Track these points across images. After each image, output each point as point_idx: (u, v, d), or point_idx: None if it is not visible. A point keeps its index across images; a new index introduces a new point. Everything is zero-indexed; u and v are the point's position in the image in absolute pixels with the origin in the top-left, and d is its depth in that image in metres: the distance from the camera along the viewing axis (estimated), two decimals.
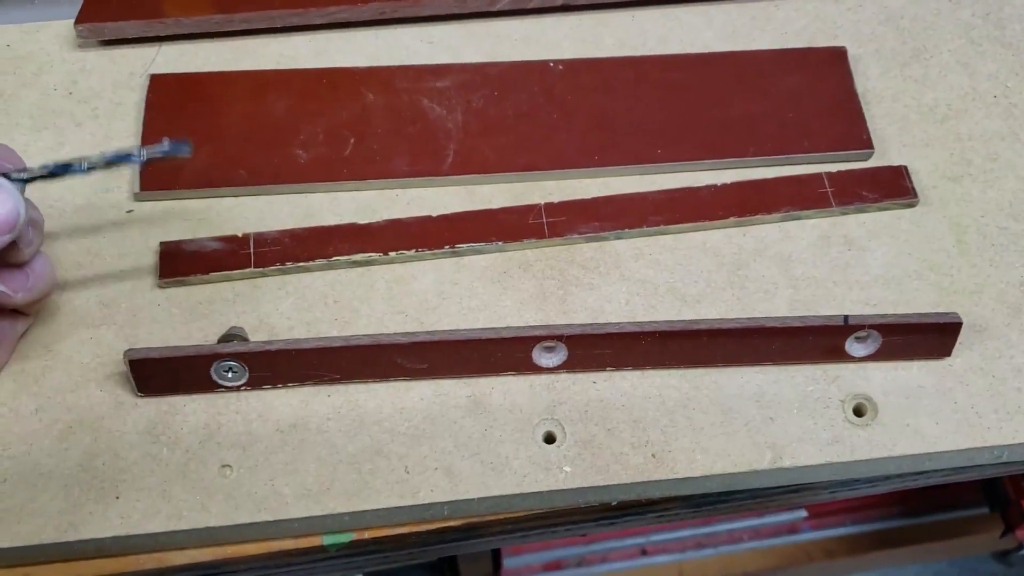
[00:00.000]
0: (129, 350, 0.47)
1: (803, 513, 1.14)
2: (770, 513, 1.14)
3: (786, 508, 1.13)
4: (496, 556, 1.07)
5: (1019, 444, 0.49)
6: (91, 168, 0.46)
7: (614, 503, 0.49)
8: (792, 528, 1.17)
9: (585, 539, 1.12)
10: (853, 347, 0.50)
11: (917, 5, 0.63)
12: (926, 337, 0.49)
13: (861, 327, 0.49)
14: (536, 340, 0.49)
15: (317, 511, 0.47)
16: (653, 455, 0.48)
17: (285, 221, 0.55)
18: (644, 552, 1.16)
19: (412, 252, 0.53)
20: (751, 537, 1.17)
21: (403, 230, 0.54)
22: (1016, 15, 0.63)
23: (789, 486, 0.50)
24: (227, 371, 0.48)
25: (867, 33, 0.62)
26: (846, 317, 0.49)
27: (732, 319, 0.49)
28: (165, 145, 0.46)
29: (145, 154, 0.46)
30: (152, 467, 0.48)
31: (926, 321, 0.49)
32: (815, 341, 0.49)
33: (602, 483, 0.48)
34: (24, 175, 0.46)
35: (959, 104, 0.59)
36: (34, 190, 0.55)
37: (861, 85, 0.59)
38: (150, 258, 0.54)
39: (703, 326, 0.49)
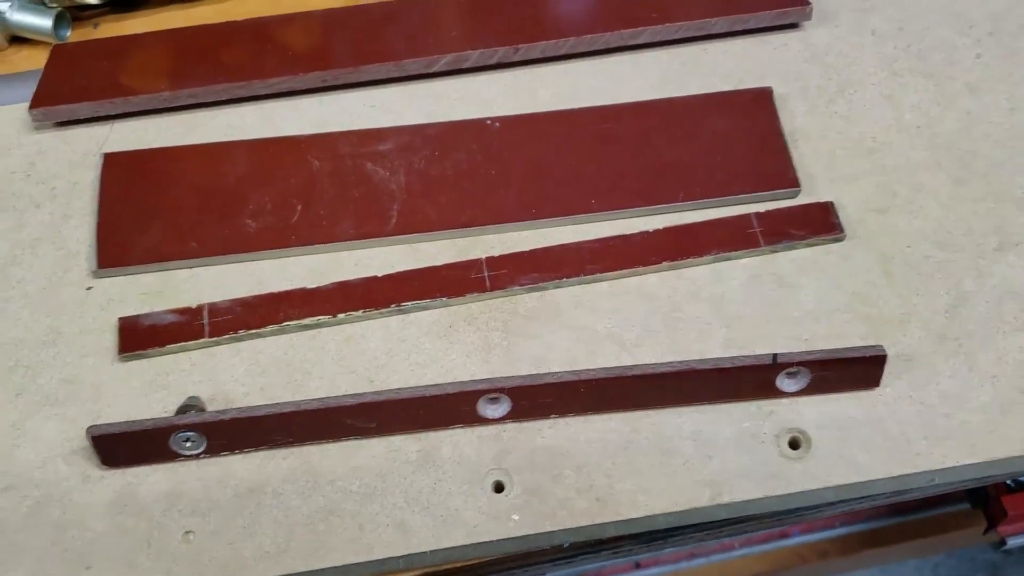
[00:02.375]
0: (91, 426, 0.50)
1: None
2: None
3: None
4: None
5: (949, 468, 0.50)
6: None
7: (565, 545, 0.51)
8: (783, 533, 1.19)
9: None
10: (784, 383, 0.52)
11: (841, 41, 0.66)
12: (854, 370, 0.51)
13: (790, 364, 0.51)
14: (480, 393, 0.51)
15: (276, 571, 0.48)
16: (597, 499, 0.50)
17: (238, 289, 0.57)
18: (638, 566, 1.17)
19: (360, 313, 0.55)
20: (742, 544, 1.18)
21: (350, 292, 0.56)
22: (937, 45, 0.65)
23: (732, 519, 0.52)
24: (185, 441, 0.50)
25: (793, 72, 0.64)
26: (775, 356, 0.51)
27: (665, 363, 0.51)
28: None
29: None
30: (119, 537, 0.50)
31: (852, 355, 0.51)
32: (747, 380, 0.51)
33: (550, 528, 0.49)
34: None
35: (884, 136, 0.61)
36: None
37: (788, 123, 0.62)
38: (110, 333, 0.56)
39: (638, 371, 0.51)
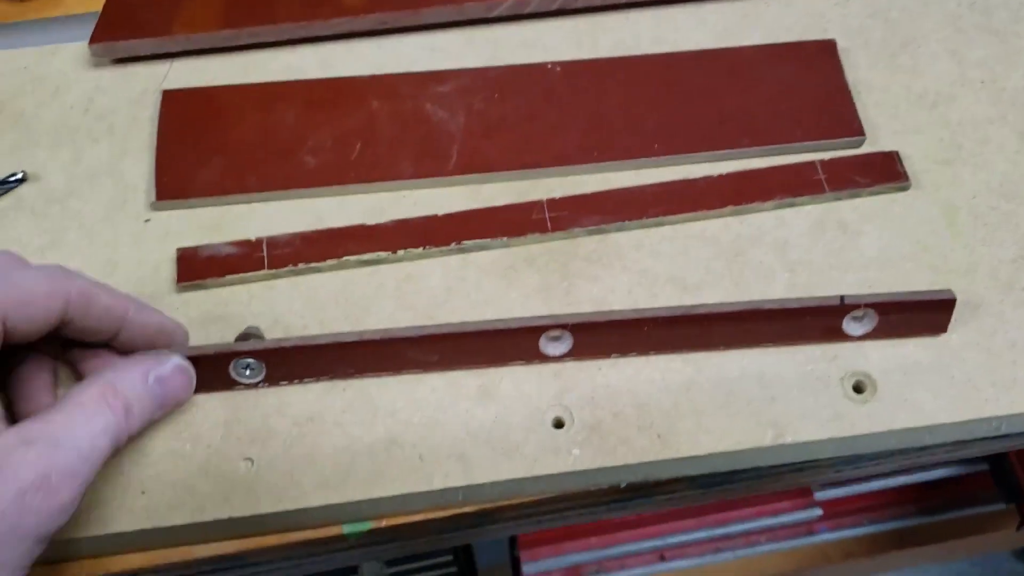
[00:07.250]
0: None
1: (818, 512, 1.15)
2: (784, 512, 1.15)
3: (799, 507, 1.14)
4: (515, 564, 1.08)
5: (1017, 415, 0.50)
6: None
7: (623, 485, 0.51)
8: (809, 529, 1.18)
9: (603, 543, 1.13)
10: (850, 326, 0.51)
11: None
12: (921, 314, 0.51)
13: (857, 306, 0.50)
14: (542, 330, 0.50)
15: (336, 500, 0.48)
16: (658, 436, 0.50)
17: (296, 225, 0.57)
18: (662, 557, 1.16)
19: (420, 250, 0.55)
20: (768, 539, 1.18)
21: (410, 229, 0.56)
22: (1002, 2, 0.65)
23: (793, 464, 0.51)
24: (245, 368, 0.50)
25: (855, 26, 0.64)
26: (842, 297, 0.50)
27: (731, 303, 0.50)
28: None
29: None
30: (176, 463, 0.49)
31: (921, 298, 0.50)
32: (813, 322, 0.51)
33: (610, 464, 0.49)
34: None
35: (948, 91, 0.61)
36: (56, 203, 0.58)
37: (851, 76, 0.61)
38: (168, 265, 0.55)
39: (703, 310, 0.50)
